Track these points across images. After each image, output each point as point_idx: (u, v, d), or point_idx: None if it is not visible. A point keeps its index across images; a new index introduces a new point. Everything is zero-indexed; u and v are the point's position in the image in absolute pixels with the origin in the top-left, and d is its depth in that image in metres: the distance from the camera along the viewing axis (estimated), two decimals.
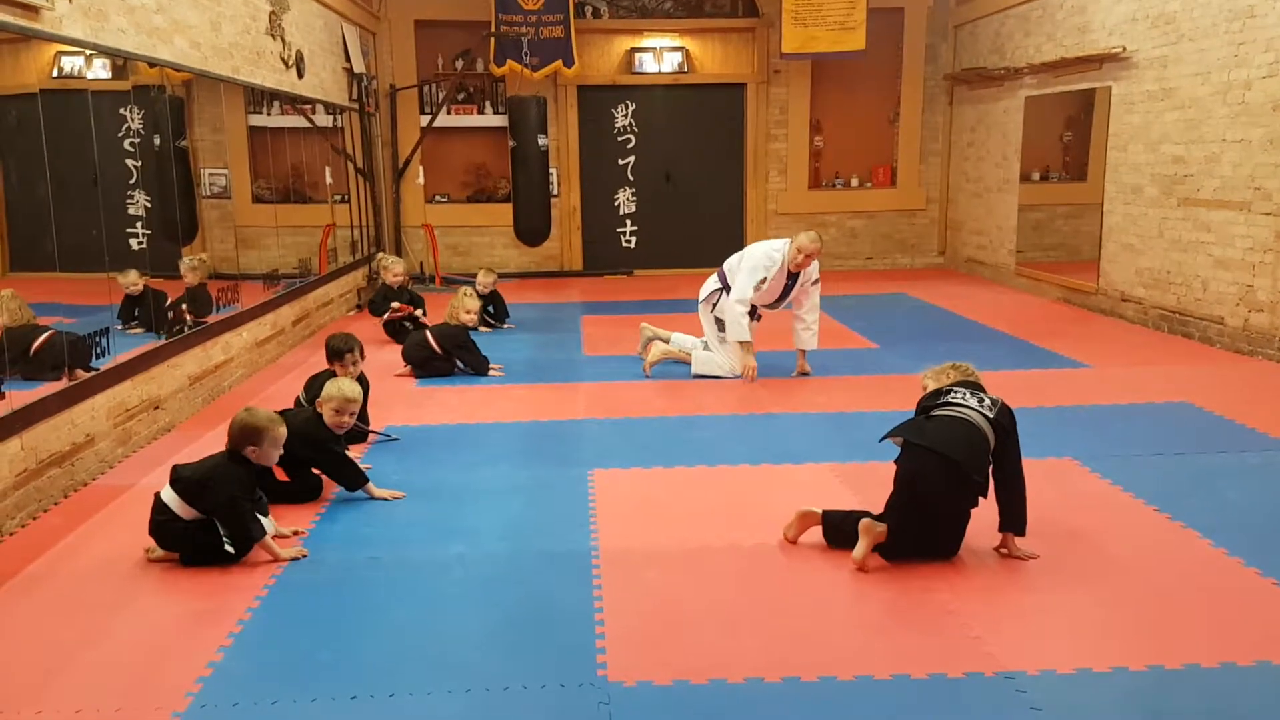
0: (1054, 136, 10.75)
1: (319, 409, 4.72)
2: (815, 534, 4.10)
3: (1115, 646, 3.27)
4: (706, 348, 7.13)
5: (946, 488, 3.83)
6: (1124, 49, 8.84)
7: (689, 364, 7.14)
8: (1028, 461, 4.00)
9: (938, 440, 3.84)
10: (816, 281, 6.91)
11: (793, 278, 6.77)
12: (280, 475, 4.66)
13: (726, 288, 6.90)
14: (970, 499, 3.89)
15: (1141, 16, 8.65)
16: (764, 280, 6.69)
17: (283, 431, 4.14)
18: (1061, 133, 10.68)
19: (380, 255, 10.16)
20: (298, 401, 5.54)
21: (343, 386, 4.74)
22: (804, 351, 7.02)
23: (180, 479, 4.00)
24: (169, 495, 3.97)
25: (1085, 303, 9.72)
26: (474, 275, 9.25)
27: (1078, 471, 4.96)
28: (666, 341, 7.33)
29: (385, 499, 4.68)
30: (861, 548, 3.85)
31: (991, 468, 3.88)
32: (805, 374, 7.01)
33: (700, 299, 7.12)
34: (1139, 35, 8.70)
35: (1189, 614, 3.49)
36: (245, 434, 4.05)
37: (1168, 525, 4.28)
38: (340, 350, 5.52)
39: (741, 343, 6.81)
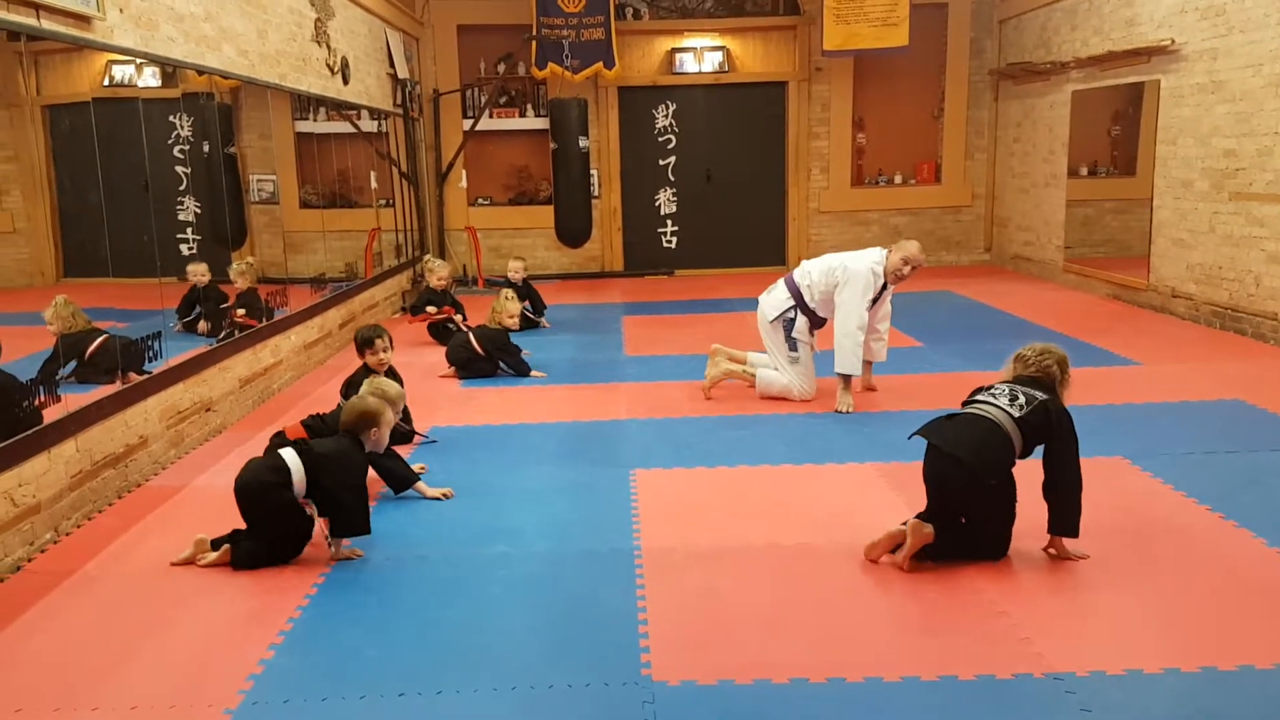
0: (1102, 131, 10.58)
1: None
2: (863, 536, 4.05)
3: (1166, 647, 3.22)
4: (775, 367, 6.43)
5: (965, 488, 3.81)
6: (1173, 41, 8.69)
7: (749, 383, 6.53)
8: None
9: (949, 440, 3.84)
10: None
11: (883, 289, 6.19)
12: None
13: (800, 304, 6.23)
14: (1000, 499, 3.84)
15: (1190, 8, 8.49)
16: (872, 301, 6.10)
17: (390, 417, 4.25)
18: (1109, 127, 10.51)
19: (426, 258, 10.23)
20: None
21: (383, 385, 4.74)
22: (871, 364, 6.46)
23: (310, 449, 4.01)
24: (294, 460, 3.96)
25: (1135, 299, 9.56)
26: (506, 278, 9.33)
27: (1128, 470, 4.89)
28: (743, 363, 6.58)
29: (436, 498, 4.72)
30: (907, 548, 3.82)
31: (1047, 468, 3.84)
32: (872, 389, 6.48)
33: (769, 317, 6.35)
34: (1188, 27, 8.55)
35: (1242, 614, 3.42)
36: (364, 418, 4.16)
37: (1220, 524, 4.20)
38: (369, 338, 5.48)
39: (846, 376, 6.11)
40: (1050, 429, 3.81)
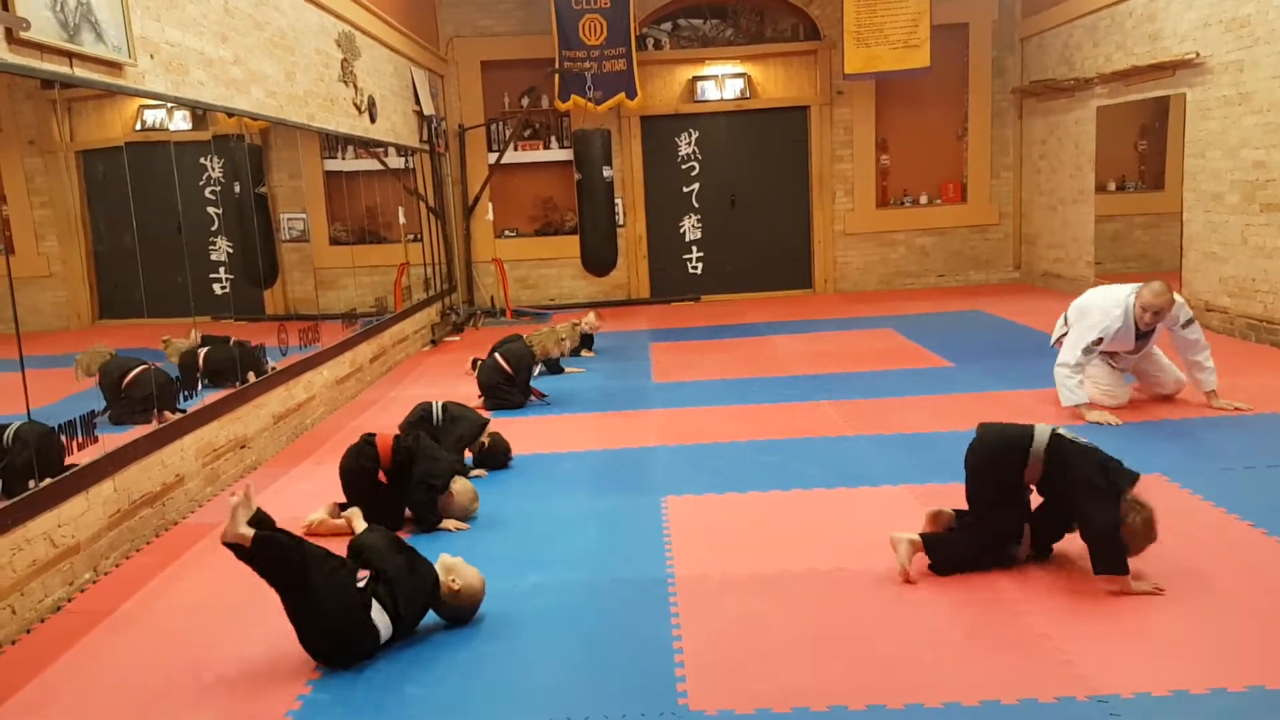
0: (1128, 146, 10.53)
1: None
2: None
3: (1213, 667, 3.16)
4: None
5: (974, 470, 4.00)
6: (1197, 54, 8.64)
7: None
8: None
9: (988, 427, 4.09)
10: (1189, 322, 6.00)
11: (1145, 333, 6.04)
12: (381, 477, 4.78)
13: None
14: (1001, 498, 3.92)
15: (1214, 21, 8.45)
16: (1099, 341, 5.98)
17: None
18: (1136, 141, 10.46)
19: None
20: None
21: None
22: (1211, 393, 6.10)
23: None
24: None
25: None
26: (544, 309, 9.32)
27: (1167, 487, 4.81)
28: None
29: (451, 530, 4.78)
30: (901, 555, 3.93)
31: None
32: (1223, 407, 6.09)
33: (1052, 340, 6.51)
34: (1212, 40, 8.50)
35: None
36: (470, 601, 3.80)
37: (1263, 540, 4.13)
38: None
39: (1079, 406, 6.02)
40: (1064, 471, 3.83)
